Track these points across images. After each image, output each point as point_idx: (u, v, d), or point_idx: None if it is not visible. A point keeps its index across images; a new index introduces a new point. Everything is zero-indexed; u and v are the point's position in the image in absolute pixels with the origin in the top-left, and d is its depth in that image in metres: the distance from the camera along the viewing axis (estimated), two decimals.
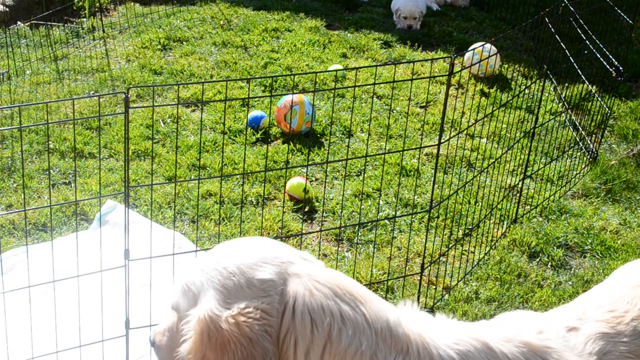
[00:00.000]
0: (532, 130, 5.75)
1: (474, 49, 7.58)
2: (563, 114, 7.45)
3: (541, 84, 5.89)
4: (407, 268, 5.15)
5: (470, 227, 5.67)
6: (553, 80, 7.94)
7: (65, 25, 9.07)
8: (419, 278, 4.89)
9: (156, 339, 2.45)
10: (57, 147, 6.38)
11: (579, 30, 6.79)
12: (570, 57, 6.72)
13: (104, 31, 9.00)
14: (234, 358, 2.05)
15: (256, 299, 2.09)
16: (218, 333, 2.07)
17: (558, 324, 2.46)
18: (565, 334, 2.43)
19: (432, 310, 4.79)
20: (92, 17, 9.28)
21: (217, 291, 2.13)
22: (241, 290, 2.11)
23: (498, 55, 7.97)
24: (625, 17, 6.62)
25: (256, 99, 7.48)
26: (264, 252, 2.20)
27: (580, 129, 7.19)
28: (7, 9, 9.01)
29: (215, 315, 2.09)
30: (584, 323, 2.48)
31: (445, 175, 6.33)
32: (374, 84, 4.27)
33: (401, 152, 6.33)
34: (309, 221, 5.75)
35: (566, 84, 7.85)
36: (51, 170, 6.09)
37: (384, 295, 4.92)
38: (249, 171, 6.22)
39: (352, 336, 2.07)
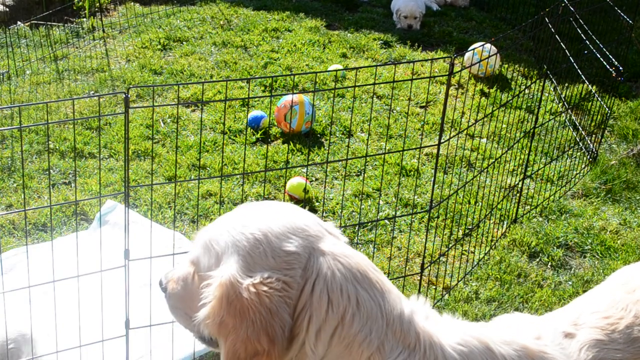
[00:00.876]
0: (532, 130, 5.75)
1: (474, 49, 7.58)
2: (563, 114, 7.45)
3: (541, 84, 5.90)
4: (407, 268, 5.15)
5: (470, 227, 5.67)
6: (553, 80, 7.93)
7: (65, 25, 9.07)
8: (419, 278, 4.89)
9: (169, 286, 2.42)
10: (57, 147, 6.38)
11: (579, 30, 6.79)
12: (570, 57, 6.72)
13: (104, 31, 9.00)
14: (252, 326, 2.04)
15: (279, 271, 2.08)
16: (238, 300, 2.06)
17: (554, 329, 2.47)
18: (562, 340, 2.44)
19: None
20: (92, 17, 9.28)
21: (241, 257, 2.11)
22: (265, 259, 2.09)
23: (498, 55, 7.97)
24: (625, 17, 6.62)
25: (256, 99, 7.48)
26: (292, 221, 2.17)
27: (580, 129, 7.19)
28: (7, 9, 9.01)
29: (237, 282, 2.07)
30: (579, 329, 2.49)
31: (445, 175, 6.33)
32: (374, 84, 4.27)
33: (401, 152, 6.34)
34: None
35: (566, 84, 7.85)
36: (51, 170, 6.09)
37: None
38: (249, 171, 6.22)
39: (364, 323, 2.08)
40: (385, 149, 6.65)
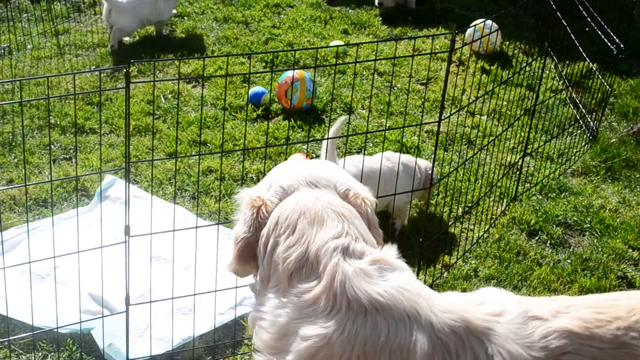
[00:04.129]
0: (532, 108, 5.75)
1: (475, 26, 7.56)
2: (564, 92, 7.45)
3: (542, 61, 5.89)
4: (406, 245, 5.17)
5: (470, 204, 5.68)
6: (554, 57, 7.92)
7: None
8: (418, 256, 4.91)
9: None
10: (58, 122, 6.39)
11: (580, 8, 6.77)
12: (572, 35, 6.71)
13: None
14: (240, 229, 2.62)
15: (268, 194, 2.62)
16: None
17: (523, 310, 2.29)
18: (523, 321, 2.26)
19: (430, 288, 4.81)
20: None
21: (266, 182, 2.69)
22: (268, 187, 2.65)
23: (499, 32, 7.94)
24: None
25: (257, 75, 7.47)
26: (305, 171, 2.66)
27: (581, 106, 7.19)
28: None
29: (250, 194, 2.67)
30: (557, 316, 2.28)
31: (446, 153, 6.34)
32: (375, 60, 4.27)
33: (402, 129, 6.34)
34: None
35: (567, 62, 7.83)
36: (52, 146, 6.10)
37: None
38: (249, 147, 6.23)
39: (288, 246, 2.45)
40: (385, 125, 6.65)
